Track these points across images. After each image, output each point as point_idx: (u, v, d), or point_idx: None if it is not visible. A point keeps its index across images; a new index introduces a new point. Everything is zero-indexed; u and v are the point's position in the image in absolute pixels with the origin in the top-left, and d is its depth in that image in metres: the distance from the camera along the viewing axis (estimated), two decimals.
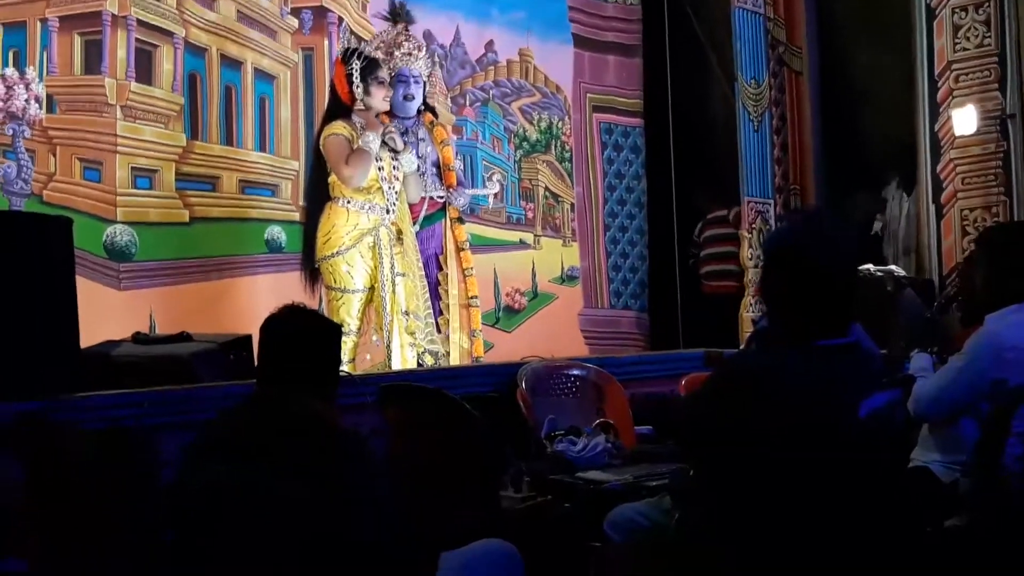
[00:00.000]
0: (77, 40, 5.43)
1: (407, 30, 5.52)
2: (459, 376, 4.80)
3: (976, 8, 6.22)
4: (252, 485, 2.27)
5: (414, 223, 5.36)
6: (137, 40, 5.59)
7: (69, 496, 2.82)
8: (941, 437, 3.31)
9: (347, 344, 4.84)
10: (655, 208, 7.68)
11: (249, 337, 4.28)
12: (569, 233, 7.48)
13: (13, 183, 5.14)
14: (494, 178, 6.13)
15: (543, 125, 7.39)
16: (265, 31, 6.15)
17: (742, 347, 4.97)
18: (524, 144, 7.30)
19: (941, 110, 6.32)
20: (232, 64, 6.01)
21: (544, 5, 7.46)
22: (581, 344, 7.28)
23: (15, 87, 5.18)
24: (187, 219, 5.75)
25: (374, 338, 5.06)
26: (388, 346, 4.98)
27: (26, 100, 5.22)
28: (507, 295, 7.06)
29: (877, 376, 2.60)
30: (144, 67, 5.62)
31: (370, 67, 5.03)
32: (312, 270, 5.08)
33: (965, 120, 6.18)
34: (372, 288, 5.03)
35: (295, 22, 6.26)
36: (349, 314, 4.94)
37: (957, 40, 6.30)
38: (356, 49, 5.15)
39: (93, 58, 5.47)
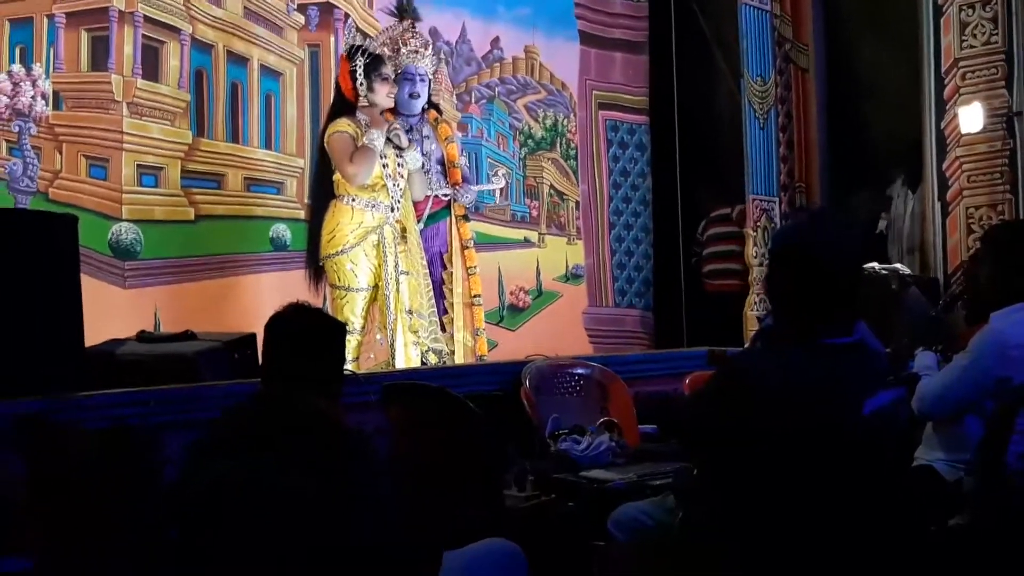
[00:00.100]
0: (84, 36, 5.43)
1: (413, 26, 5.52)
2: (463, 375, 4.80)
3: (983, 5, 6.20)
4: (256, 484, 2.27)
5: (419, 221, 5.36)
6: (144, 36, 5.59)
7: (73, 495, 2.82)
8: (945, 435, 3.31)
9: (351, 343, 4.84)
10: (660, 206, 7.68)
11: (254, 335, 4.28)
12: (574, 231, 7.47)
13: (19, 180, 5.14)
14: (499, 172, 6.13)
15: (548, 122, 7.39)
16: (271, 27, 6.15)
17: (746, 346, 4.97)
18: (529, 141, 7.29)
19: (947, 107, 6.31)
20: (238, 61, 6.01)
21: (550, 2, 7.45)
22: (585, 342, 7.27)
23: (21, 84, 5.19)
24: (192, 217, 5.75)
25: (378, 337, 5.05)
26: (392, 345, 4.97)
27: (32, 97, 5.22)
28: (511, 293, 7.06)
29: (882, 374, 2.60)
30: (151, 64, 5.62)
31: (374, 63, 5.03)
32: (317, 268, 5.08)
33: (971, 118, 6.16)
34: (376, 286, 5.02)
35: (301, 18, 6.26)
36: (353, 312, 4.94)
37: (964, 37, 6.28)
38: (361, 46, 5.13)
39: (100, 54, 5.47)
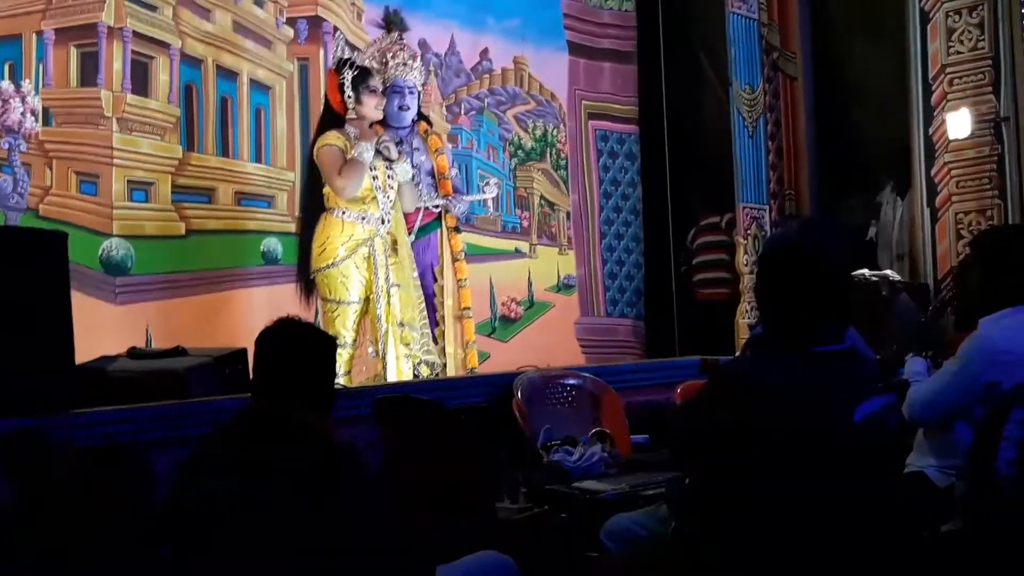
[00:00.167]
0: (73, 52, 5.43)
1: (401, 38, 5.53)
2: (455, 387, 4.80)
3: (970, 11, 6.23)
4: (247, 500, 2.26)
5: (410, 233, 5.36)
6: (133, 52, 5.59)
7: (64, 513, 2.82)
8: (936, 442, 3.31)
9: (343, 356, 4.84)
10: (651, 215, 7.69)
11: (244, 350, 4.27)
12: (565, 241, 7.48)
13: (9, 197, 5.14)
14: (492, 182, 6.13)
15: (538, 133, 7.40)
16: (261, 41, 6.16)
17: (738, 354, 4.98)
18: (519, 152, 7.30)
19: (935, 114, 6.33)
20: (228, 75, 6.02)
21: (539, 13, 7.47)
22: (578, 353, 7.28)
23: (11, 100, 5.18)
24: (183, 232, 5.74)
25: (370, 350, 5.05)
26: (384, 357, 4.96)
27: (22, 113, 5.21)
28: (503, 304, 7.06)
29: (872, 381, 2.61)
30: (140, 79, 5.62)
31: (361, 76, 5.03)
32: (308, 282, 5.08)
33: (959, 123, 6.19)
34: (367, 299, 5.02)
35: (290, 32, 6.27)
36: (344, 326, 4.93)
37: (951, 43, 6.30)
38: (349, 59, 5.14)
39: (89, 70, 5.47)
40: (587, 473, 3.54)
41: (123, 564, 2.76)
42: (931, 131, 6.36)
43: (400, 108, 5.38)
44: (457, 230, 5.58)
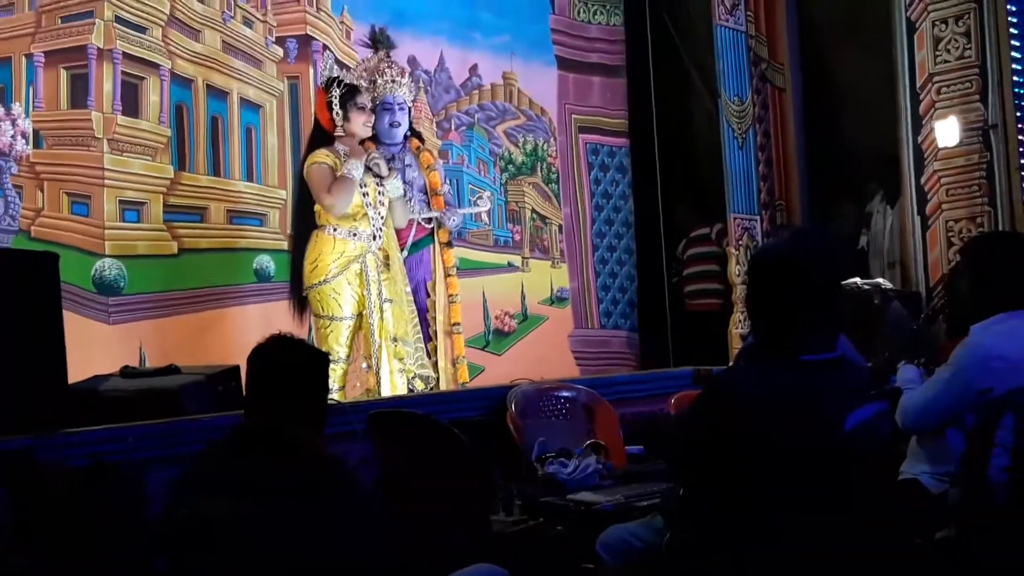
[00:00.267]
0: (63, 74, 5.44)
1: (388, 56, 5.54)
2: (448, 401, 4.79)
3: (956, 20, 6.28)
4: (241, 517, 2.26)
5: (402, 249, 5.36)
6: (123, 73, 5.60)
7: (57, 533, 2.81)
8: (930, 448, 3.31)
9: (336, 372, 4.84)
10: (642, 227, 7.72)
11: (237, 368, 4.26)
12: (558, 254, 7.50)
13: (0, 220, 5.14)
14: (485, 196, 6.13)
15: (528, 147, 7.43)
16: (250, 61, 6.18)
17: (731, 364, 4.98)
18: (510, 167, 7.32)
19: (924, 122, 6.37)
20: (218, 94, 6.03)
21: (527, 28, 7.50)
22: (572, 365, 7.29)
23: (1, 123, 5.19)
24: (176, 251, 5.74)
25: (363, 365, 5.05)
26: (377, 373, 4.97)
27: (12, 136, 5.22)
28: (497, 318, 7.07)
29: (864, 389, 2.61)
30: (130, 100, 5.63)
31: (349, 93, 5.05)
32: (300, 299, 5.08)
33: (948, 132, 6.22)
34: (360, 315, 5.02)
35: (280, 51, 6.29)
36: (338, 342, 4.93)
37: (938, 52, 6.35)
38: (337, 77, 5.16)
39: (79, 92, 5.48)
40: (582, 485, 3.53)
41: None
42: (920, 140, 6.39)
43: (391, 124, 5.39)
44: (449, 245, 5.58)
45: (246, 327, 5.63)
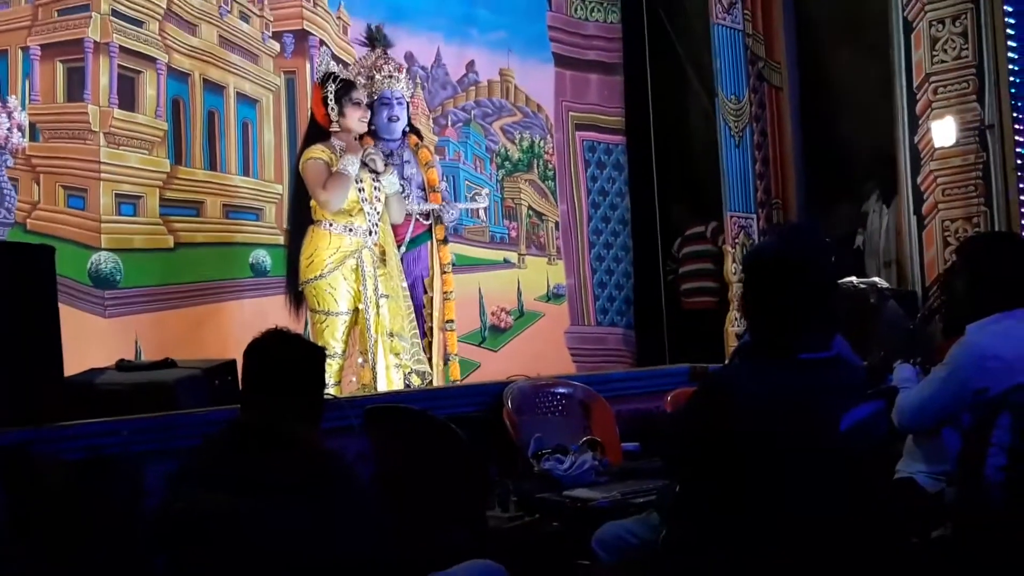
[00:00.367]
0: (59, 68, 5.43)
1: (386, 53, 5.54)
2: (445, 397, 4.79)
3: (953, 20, 6.28)
4: (237, 511, 2.26)
5: (400, 245, 5.36)
6: (120, 66, 5.59)
7: (53, 526, 2.81)
8: (926, 448, 3.32)
9: (332, 367, 4.83)
10: (639, 225, 7.72)
11: (233, 362, 4.26)
12: (554, 251, 7.50)
13: None
14: (483, 192, 6.12)
15: (525, 144, 7.43)
16: (247, 55, 6.17)
17: (727, 362, 4.99)
18: (506, 163, 7.32)
19: (920, 122, 6.37)
20: (215, 89, 6.02)
21: (524, 25, 7.50)
22: (568, 362, 7.29)
23: None
24: (172, 245, 5.74)
25: (359, 360, 5.05)
26: (373, 368, 4.96)
27: (8, 129, 5.21)
28: (493, 314, 7.06)
29: (859, 388, 2.62)
30: (127, 93, 5.62)
31: (344, 88, 5.03)
32: (296, 293, 5.08)
33: (944, 132, 6.22)
34: (356, 310, 5.02)
35: (276, 46, 6.28)
36: (334, 336, 4.93)
37: (935, 52, 6.35)
38: (333, 73, 5.15)
39: (76, 85, 5.47)
40: (578, 481, 3.54)
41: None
42: (916, 139, 6.40)
43: (390, 119, 5.38)
44: (445, 241, 5.58)
45: (242, 321, 5.64)
